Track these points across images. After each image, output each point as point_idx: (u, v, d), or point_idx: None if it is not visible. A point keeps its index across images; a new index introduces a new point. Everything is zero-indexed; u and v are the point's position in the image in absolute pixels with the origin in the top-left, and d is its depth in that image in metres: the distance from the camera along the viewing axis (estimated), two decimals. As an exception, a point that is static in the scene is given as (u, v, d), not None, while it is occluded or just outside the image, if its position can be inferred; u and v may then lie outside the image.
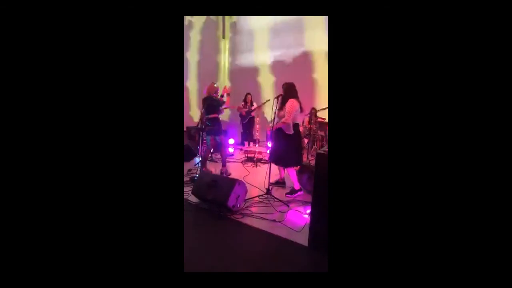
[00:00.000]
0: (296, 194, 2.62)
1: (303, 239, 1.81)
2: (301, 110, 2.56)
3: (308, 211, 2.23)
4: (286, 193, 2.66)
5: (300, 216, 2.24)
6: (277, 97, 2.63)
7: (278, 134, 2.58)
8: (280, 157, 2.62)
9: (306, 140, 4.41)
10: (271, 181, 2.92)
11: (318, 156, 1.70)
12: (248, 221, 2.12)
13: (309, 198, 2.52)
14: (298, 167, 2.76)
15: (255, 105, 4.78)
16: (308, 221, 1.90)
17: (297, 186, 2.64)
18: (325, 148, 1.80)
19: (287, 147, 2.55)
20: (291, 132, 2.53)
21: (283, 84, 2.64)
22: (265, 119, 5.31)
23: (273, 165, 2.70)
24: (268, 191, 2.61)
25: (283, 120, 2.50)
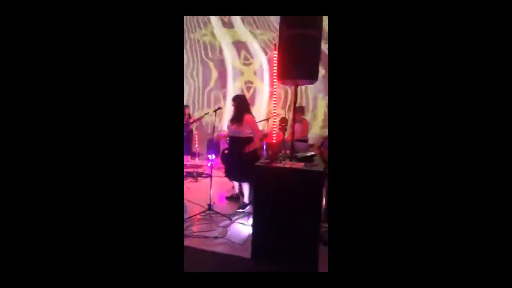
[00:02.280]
0: (247, 208, 2.61)
1: (246, 252, 1.82)
2: None
3: (251, 221, 2.27)
4: (238, 209, 2.61)
5: (243, 228, 2.25)
6: (216, 110, 2.64)
7: (245, 146, 2.51)
8: (246, 171, 2.46)
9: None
10: (227, 195, 2.86)
11: (257, 168, 1.77)
12: (188, 242, 1.99)
13: (251, 209, 2.58)
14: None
15: (193, 117, 4.64)
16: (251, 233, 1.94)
17: (247, 199, 2.64)
18: (263, 160, 1.89)
19: (253, 160, 2.52)
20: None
21: (237, 97, 2.58)
22: (205, 132, 5.20)
23: (216, 179, 2.64)
24: (210, 207, 2.52)
25: (259, 135, 2.54)
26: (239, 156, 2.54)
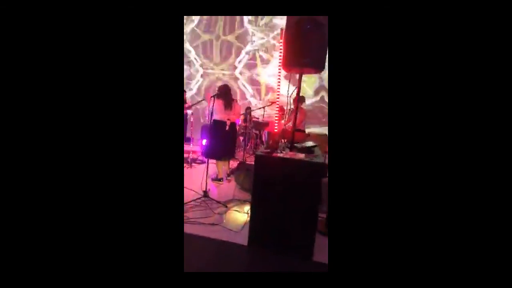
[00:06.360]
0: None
1: (242, 239, 1.83)
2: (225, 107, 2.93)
3: (246, 209, 2.29)
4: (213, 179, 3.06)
5: (239, 215, 2.26)
6: (213, 96, 2.57)
7: (233, 128, 3.01)
8: (230, 150, 3.09)
9: (241, 138, 4.50)
10: (213, 178, 3.14)
11: (257, 157, 1.74)
12: (185, 228, 1.98)
13: (246, 196, 2.59)
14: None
15: (188, 102, 4.51)
16: (247, 220, 1.95)
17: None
18: (263, 149, 1.87)
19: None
20: None
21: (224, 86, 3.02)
22: (198, 117, 5.09)
23: (208, 163, 2.62)
24: (206, 193, 2.51)
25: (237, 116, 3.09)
26: (233, 134, 3.07)
